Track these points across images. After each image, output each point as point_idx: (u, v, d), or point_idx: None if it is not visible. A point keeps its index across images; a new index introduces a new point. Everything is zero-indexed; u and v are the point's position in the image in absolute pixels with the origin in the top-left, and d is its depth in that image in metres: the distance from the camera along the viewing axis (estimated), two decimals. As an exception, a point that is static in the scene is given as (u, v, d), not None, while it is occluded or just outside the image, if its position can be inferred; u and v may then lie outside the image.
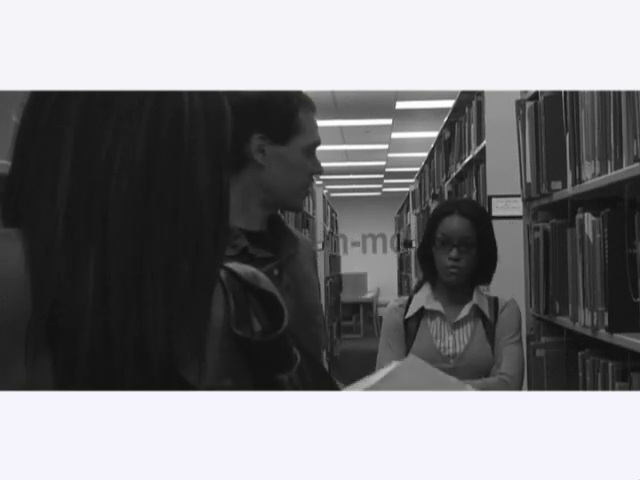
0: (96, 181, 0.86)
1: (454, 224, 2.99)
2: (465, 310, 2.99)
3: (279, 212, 2.27)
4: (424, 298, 3.03)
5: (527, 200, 3.62)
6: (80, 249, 0.84)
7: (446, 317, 2.99)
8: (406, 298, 3.12)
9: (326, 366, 2.40)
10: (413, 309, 3.02)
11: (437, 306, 3.01)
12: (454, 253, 2.96)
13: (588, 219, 2.72)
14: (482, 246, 2.99)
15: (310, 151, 2.14)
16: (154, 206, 0.87)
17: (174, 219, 0.88)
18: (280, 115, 2.10)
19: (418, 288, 3.12)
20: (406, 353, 2.95)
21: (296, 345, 0.97)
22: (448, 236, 2.98)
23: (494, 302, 3.03)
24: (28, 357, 0.82)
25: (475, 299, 3.00)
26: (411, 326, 3.01)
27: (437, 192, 8.09)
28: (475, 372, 2.90)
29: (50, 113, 0.89)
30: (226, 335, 0.92)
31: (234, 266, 0.99)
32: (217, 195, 0.93)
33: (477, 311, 3.00)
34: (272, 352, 0.93)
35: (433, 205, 8.38)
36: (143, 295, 0.85)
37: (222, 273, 0.97)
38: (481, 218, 3.04)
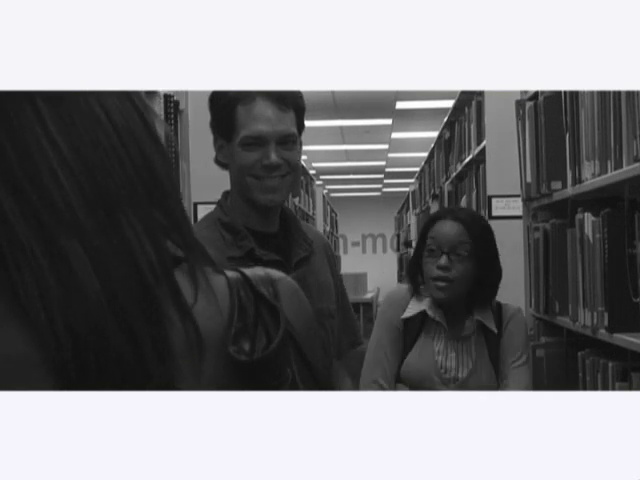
0: (51, 201, 0.81)
1: (445, 228, 2.56)
2: (469, 326, 2.59)
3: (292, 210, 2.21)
4: (425, 302, 2.61)
5: (527, 200, 3.62)
6: (76, 273, 0.81)
7: (449, 331, 2.59)
8: (405, 288, 2.67)
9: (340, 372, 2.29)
10: (413, 309, 2.60)
11: (439, 316, 2.59)
12: (443, 260, 2.53)
13: (588, 219, 2.72)
14: (480, 259, 2.55)
15: (248, 143, 2.03)
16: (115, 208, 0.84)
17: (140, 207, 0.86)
18: (220, 112, 2.06)
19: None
20: (401, 363, 2.58)
21: (300, 361, 0.93)
22: (437, 241, 2.56)
23: (498, 312, 2.64)
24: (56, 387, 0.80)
25: (477, 313, 2.60)
26: (411, 330, 2.59)
27: (437, 192, 8.09)
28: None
29: None
30: (223, 345, 0.90)
31: (251, 272, 0.94)
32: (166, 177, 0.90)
33: (480, 326, 2.60)
34: (259, 372, 0.90)
35: (433, 205, 8.38)
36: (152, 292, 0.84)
37: (235, 278, 0.93)
38: (477, 224, 2.59)
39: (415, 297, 2.63)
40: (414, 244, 2.74)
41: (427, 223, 2.64)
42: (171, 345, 0.83)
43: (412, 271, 2.65)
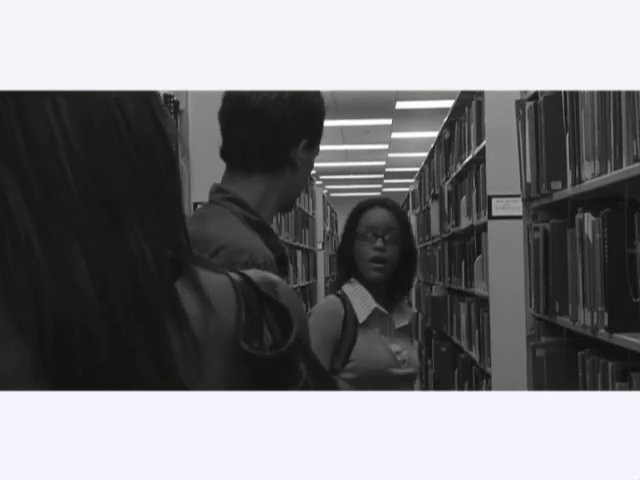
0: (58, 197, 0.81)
1: (378, 215, 2.86)
2: (408, 315, 2.91)
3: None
4: (367, 298, 2.81)
5: (527, 200, 3.61)
6: (71, 267, 0.81)
7: (392, 320, 2.84)
8: (337, 300, 2.81)
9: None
10: (364, 311, 2.78)
11: (384, 308, 2.83)
12: (379, 243, 2.79)
13: (588, 219, 2.71)
14: (404, 244, 2.85)
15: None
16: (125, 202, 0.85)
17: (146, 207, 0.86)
18: (320, 122, 2.09)
19: (339, 287, 2.86)
20: (346, 360, 2.72)
21: (306, 358, 0.94)
22: (373, 227, 2.83)
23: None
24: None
25: (405, 301, 2.94)
26: (349, 330, 2.75)
27: (437, 192, 8.09)
28: (413, 377, 2.88)
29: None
30: (233, 345, 0.90)
31: (252, 273, 0.95)
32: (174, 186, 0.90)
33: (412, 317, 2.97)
34: (275, 368, 0.90)
35: (433, 205, 8.38)
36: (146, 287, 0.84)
37: (237, 279, 0.94)
38: (402, 212, 2.96)
39: (352, 298, 2.78)
40: (340, 233, 3.01)
41: (355, 213, 2.92)
42: (166, 351, 0.84)
43: (344, 257, 2.86)
